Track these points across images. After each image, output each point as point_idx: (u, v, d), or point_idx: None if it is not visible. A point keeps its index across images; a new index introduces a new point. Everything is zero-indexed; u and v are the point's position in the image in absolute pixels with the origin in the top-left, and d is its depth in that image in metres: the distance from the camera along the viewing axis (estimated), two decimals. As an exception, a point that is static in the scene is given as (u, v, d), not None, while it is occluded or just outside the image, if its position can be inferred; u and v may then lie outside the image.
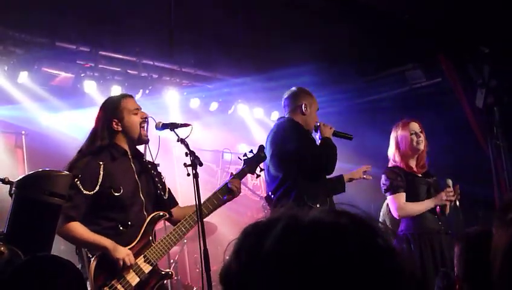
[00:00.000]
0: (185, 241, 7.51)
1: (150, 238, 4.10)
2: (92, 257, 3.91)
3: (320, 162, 4.83)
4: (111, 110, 4.15)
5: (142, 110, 4.27)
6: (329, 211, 1.03)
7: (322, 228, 0.99)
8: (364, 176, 5.28)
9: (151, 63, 7.66)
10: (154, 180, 4.29)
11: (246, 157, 4.48)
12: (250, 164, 4.46)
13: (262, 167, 4.54)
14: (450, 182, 5.18)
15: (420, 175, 5.26)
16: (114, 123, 4.12)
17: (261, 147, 4.54)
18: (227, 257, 1.04)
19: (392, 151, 5.32)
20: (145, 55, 7.55)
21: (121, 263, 3.88)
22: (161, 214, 4.19)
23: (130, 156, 4.19)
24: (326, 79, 8.62)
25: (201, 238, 3.79)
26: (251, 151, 4.50)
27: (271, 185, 4.98)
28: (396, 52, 7.96)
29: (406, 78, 8.51)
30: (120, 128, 4.12)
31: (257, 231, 1.03)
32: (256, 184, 9.91)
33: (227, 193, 4.25)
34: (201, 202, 4.04)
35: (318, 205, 4.71)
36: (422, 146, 5.23)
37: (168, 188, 4.44)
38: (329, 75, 8.43)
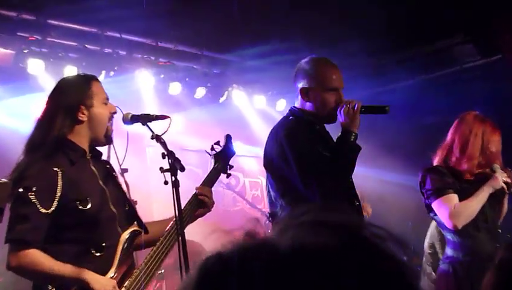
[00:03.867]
0: (162, 271, 7.45)
1: (130, 263, 4.10)
2: None
3: (326, 179, 4.53)
4: (77, 93, 4.10)
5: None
6: (310, 227, 1.01)
7: (307, 256, 0.97)
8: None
9: (118, 35, 7.68)
10: (119, 184, 4.28)
11: (215, 152, 4.52)
12: (223, 160, 4.52)
13: (231, 164, 4.60)
14: (496, 166, 5.10)
15: (472, 179, 5.17)
16: (80, 111, 4.05)
17: (228, 137, 4.61)
18: None
19: (456, 146, 5.18)
20: (110, 25, 7.55)
21: None
22: (137, 230, 4.17)
23: (88, 157, 4.14)
24: (344, 56, 8.56)
25: (183, 268, 3.81)
26: (217, 142, 4.56)
27: (268, 204, 4.94)
28: (440, 21, 7.92)
29: (454, 55, 8.50)
30: (85, 119, 4.07)
31: (222, 269, 0.99)
32: (257, 195, 9.98)
33: (198, 206, 4.28)
34: (169, 231, 4.09)
35: None
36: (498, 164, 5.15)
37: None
38: (349, 50, 8.30)
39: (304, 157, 4.57)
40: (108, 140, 4.18)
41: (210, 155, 4.53)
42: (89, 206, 3.92)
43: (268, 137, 4.87)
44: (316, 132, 4.76)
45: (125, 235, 4.10)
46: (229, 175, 4.64)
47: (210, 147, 4.56)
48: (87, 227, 3.93)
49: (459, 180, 5.12)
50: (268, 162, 4.79)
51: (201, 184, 4.37)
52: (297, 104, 4.85)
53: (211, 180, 4.43)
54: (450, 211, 4.98)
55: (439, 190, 5.04)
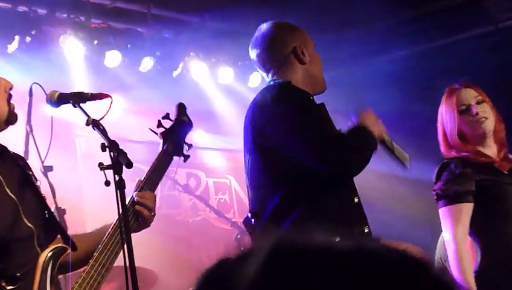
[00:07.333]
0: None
1: None
2: None
3: (341, 157, 4.60)
4: None
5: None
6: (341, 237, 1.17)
7: (332, 252, 1.12)
8: None
9: (36, -12, 7.71)
10: (35, 188, 4.24)
11: (163, 130, 4.56)
12: (175, 138, 4.58)
13: (189, 142, 4.65)
14: None
15: (507, 172, 5.33)
16: None
17: (181, 106, 4.68)
18: None
19: (441, 139, 5.49)
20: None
21: None
22: (61, 247, 4.13)
23: None
24: (347, 17, 8.71)
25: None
26: (167, 116, 4.62)
27: (253, 200, 4.92)
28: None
29: (488, 12, 8.69)
30: None
31: (224, 273, 1.08)
32: (225, 201, 10.00)
33: (135, 218, 4.26)
34: (107, 242, 4.10)
35: (338, 239, 4.54)
36: (487, 126, 5.32)
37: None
38: (351, 9, 8.47)
39: (315, 120, 4.67)
40: (13, 120, 4.13)
41: (157, 134, 4.55)
42: None
43: (250, 110, 4.89)
44: (314, 106, 4.88)
45: (45, 255, 4.06)
46: (186, 158, 4.64)
47: (157, 124, 4.56)
48: None
49: (492, 171, 5.29)
50: (258, 133, 4.76)
51: (142, 183, 4.36)
52: (279, 76, 4.94)
53: (158, 171, 4.45)
54: (455, 231, 5.11)
55: (451, 197, 5.21)
